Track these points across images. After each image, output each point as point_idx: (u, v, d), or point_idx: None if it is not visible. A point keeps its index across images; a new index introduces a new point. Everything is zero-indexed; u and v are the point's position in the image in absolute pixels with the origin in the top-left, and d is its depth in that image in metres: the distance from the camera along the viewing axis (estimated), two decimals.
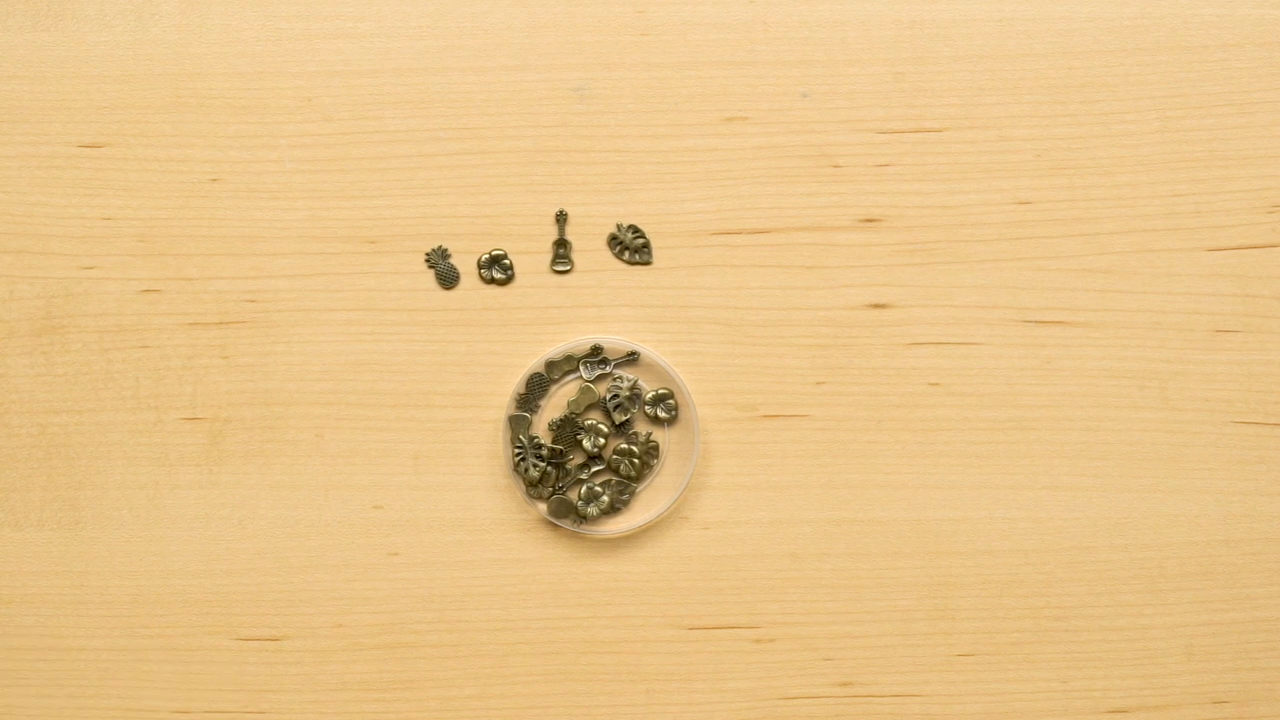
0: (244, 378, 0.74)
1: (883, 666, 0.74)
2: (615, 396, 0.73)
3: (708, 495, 0.74)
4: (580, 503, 0.73)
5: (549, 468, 0.73)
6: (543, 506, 0.73)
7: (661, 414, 0.73)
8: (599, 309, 0.74)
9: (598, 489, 0.73)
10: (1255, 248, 0.74)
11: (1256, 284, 0.74)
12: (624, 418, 0.73)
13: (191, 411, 0.74)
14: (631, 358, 0.74)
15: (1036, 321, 0.74)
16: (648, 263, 0.74)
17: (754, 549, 0.74)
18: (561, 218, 0.74)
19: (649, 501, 0.74)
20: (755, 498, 0.74)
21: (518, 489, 0.73)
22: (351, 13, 0.75)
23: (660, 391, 0.73)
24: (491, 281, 0.74)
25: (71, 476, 0.74)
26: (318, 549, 0.74)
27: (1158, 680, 0.73)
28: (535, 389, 0.73)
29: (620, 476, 0.73)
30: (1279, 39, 0.75)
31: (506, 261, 0.74)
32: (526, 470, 0.73)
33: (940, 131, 0.75)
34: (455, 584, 0.74)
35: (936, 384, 0.74)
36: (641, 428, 0.74)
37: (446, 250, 0.74)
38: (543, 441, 0.73)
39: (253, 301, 0.74)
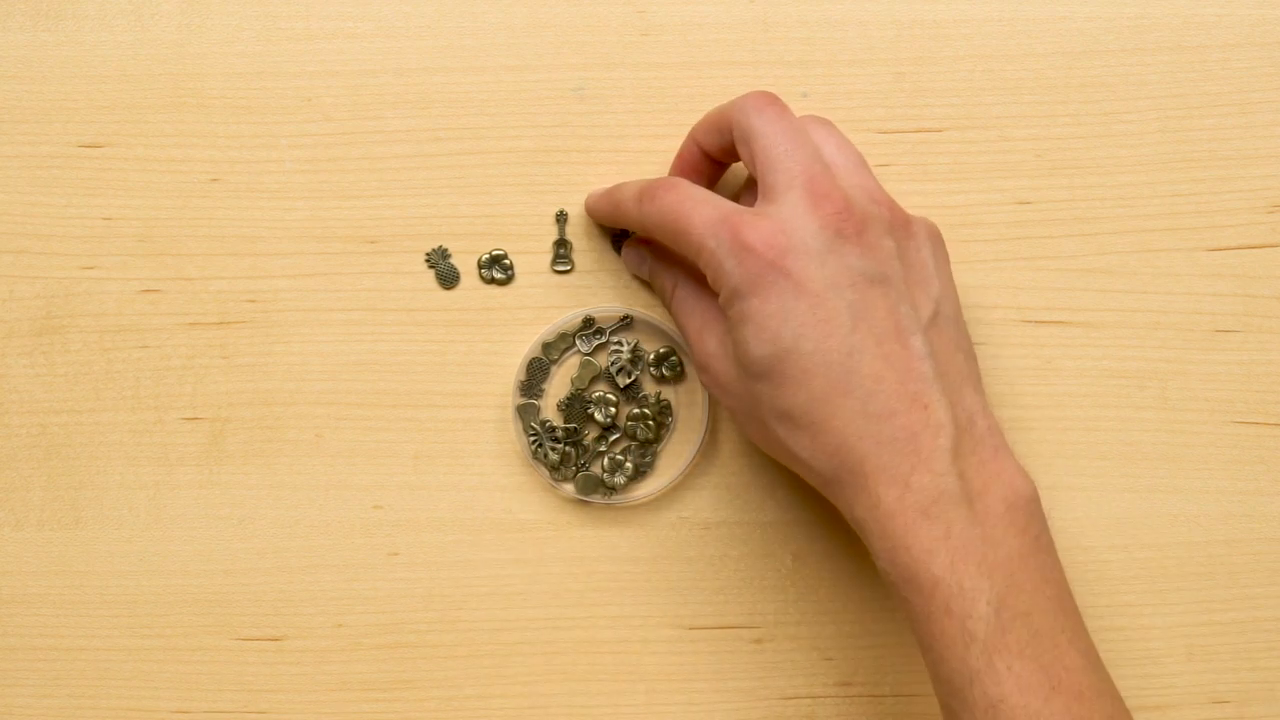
0: (244, 378, 0.74)
1: (883, 666, 0.74)
2: (616, 361, 0.73)
3: (708, 495, 0.74)
4: (606, 474, 0.73)
5: (567, 448, 0.73)
6: (569, 487, 0.73)
7: (666, 372, 0.73)
8: (599, 309, 0.74)
9: (619, 457, 0.73)
10: (1255, 248, 0.74)
11: (1256, 284, 0.74)
12: (629, 380, 0.73)
13: (191, 411, 0.74)
14: (625, 322, 0.74)
15: (1036, 321, 0.74)
16: None
17: (754, 549, 0.74)
18: (561, 218, 0.74)
19: (669, 462, 0.74)
20: (755, 498, 0.74)
21: (540, 475, 0.73)
22: (351, 13, 0.75)
23: (662, 350, 0.74)
24: (491, 281, 0.74)
25: (71, 476, 0.74)
26: (318, 549, 0.74)
27: (1158, 680, 0.73)
28: (536, 374, 0.74)
29: (639, 441, 0.73)
30: (1279, 39, 0.75)
31: (507, 261, 0.74)
32: (546, 455, 0.73)
33: (940, 131, 0.75)
34: (455, 584, 0.74)
35: None
36: (649, 389, 0.74)
37: (446, 250, 0.74)
38: (555, 424, 0.73)
39: (253, 301, 0.74)
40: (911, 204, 0.74)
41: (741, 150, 0.65)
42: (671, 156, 0.73)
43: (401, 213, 0.74)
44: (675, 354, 0.74)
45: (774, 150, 0.63)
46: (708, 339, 0.66)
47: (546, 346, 0.74)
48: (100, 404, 0.74)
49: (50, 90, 0.75)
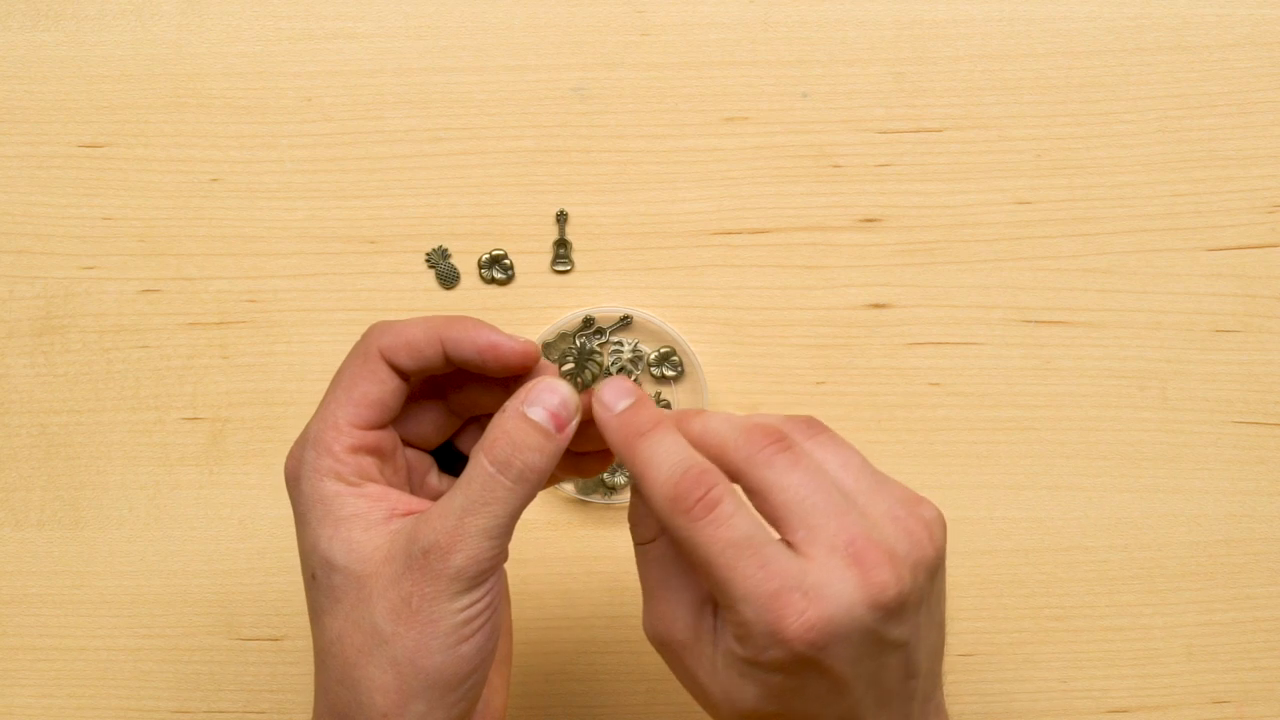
0: (244, 378, 0.74)
1: None
2: (617, 361, 0.73)
3: None
4: (606, 474, 0.73)
5: None
6: (569, 487, 0.73)
7: (668, 371, 0.73)
8: (600, 309, 0.74)
9: None
10: (1255, 248, 0.74)
11: (1256, 284, 0.74)
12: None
13: (191, 411, 0.74)
14: (625, 322, 0.74)
15: (1036, 321, 0.74)
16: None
17: None
18: (561, 218, 0.74)
19: None
20: None
21: None
22: (351, 13, 0.75)
23: (663, 350, 0.74)
24: (492, 281, 0.74)
25: (71, 476, 0.74)
26: None
27: (1158, 680, 0.73)
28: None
29: None
30: (1279, 39, 0.75)
31: (507, 261, 0.74)
32: None
33: (940, 131, 0.75)
34: None
35: (936, 384, 0.74)
36: (650, 388, 0.74)
37: (446, 250, 0.74)
38: None
39: (253, 301, 0.74)
40: (911, 204, 0.74)
41: (755, 500, 0.56)
42: (671, 156, 0.73)
43: (401, 213, 0.74)
44: (675, 354, 0.74)
45: (802, 508, 0.55)
46: (676, 611, 0.56)
47: (546, 346, 0.74)
48: (100, 404, 0.74)
49: (50, 90, 0.75)
